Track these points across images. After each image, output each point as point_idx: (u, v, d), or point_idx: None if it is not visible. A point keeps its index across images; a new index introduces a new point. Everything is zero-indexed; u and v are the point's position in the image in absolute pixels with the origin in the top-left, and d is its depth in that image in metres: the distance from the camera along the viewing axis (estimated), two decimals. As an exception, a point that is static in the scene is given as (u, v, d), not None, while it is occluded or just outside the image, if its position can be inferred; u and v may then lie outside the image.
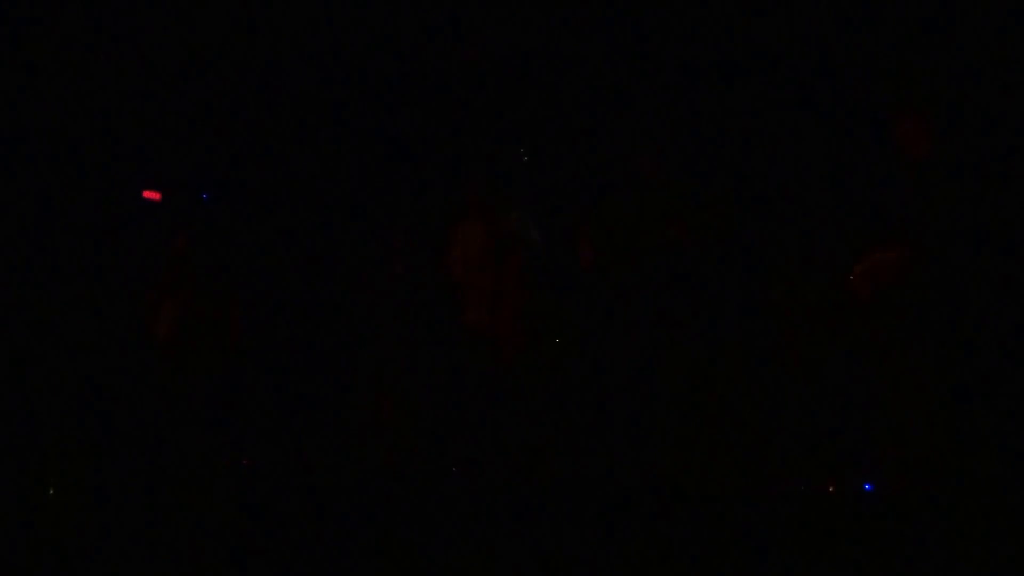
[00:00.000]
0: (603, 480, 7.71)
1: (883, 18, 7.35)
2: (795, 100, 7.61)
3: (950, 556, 6.29)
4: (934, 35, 7.23)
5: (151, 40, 8.16)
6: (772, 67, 7.63)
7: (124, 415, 8.10)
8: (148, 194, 8.46)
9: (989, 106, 7.02)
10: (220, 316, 8.21)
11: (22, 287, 8.04)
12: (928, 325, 7.05)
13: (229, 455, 8.13)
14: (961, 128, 6.95)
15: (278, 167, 8.52)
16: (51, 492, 7.59)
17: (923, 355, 7.03)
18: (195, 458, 8.03)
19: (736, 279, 7.68)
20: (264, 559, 7.24)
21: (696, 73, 7.82)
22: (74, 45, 8.09)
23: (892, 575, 6.41)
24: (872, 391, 7.24)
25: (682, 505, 7.15)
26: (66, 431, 7.91)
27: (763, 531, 6.78)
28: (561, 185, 8.20)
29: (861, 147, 7.39)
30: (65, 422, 7.93)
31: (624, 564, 6.85)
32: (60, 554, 7.17)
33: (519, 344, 7.93)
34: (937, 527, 6.50)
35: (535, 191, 8.21)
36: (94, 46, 8.12)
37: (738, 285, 7.67)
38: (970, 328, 6.97)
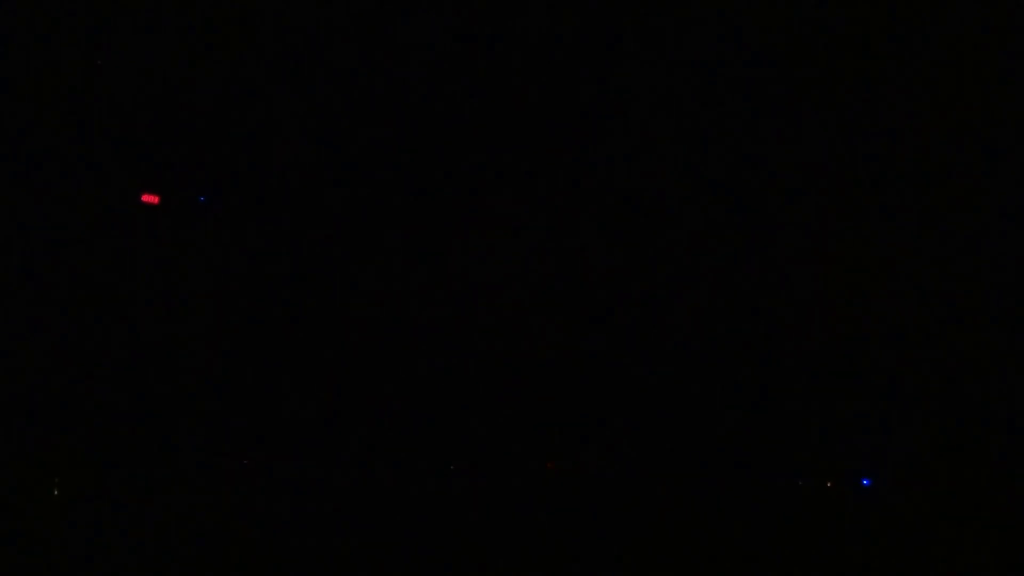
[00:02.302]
0: (602, 480, 7.73)
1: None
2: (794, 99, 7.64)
3: (950, 555, 6.32)
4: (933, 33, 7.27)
5: (151, 40, 8.17)
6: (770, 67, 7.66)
7: (124, 415, 8.10)
8: (146, 197, 8.45)
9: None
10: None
11: (21, 288, 8.04)
12: (927, 323, 7.09)
13: (229, 455, 8.13)
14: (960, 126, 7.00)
15: (276, 169, 8.52)
16: (54, 492, 7.60)
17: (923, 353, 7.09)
18: (195, 458, 8.05)
19: (735, 277, 7.71)
20: (263, 559, 7.26)
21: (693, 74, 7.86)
22: (72, 45, 8.09)
23: (891, 574, 6.45)
24: (872, 389, 7.28)
25: (680, 504, 7.18)
26: (66, 431, 7.90)
27: (762, 529, 6.82)
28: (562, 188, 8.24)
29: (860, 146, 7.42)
30: (65, 422, 7.93)
31: (623, 564, 6.88)
32: (60, 554, 7.18)
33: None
34: (937, 527, 6.55)
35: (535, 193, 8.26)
36: (93, 46, 8.12)
37: (737, 283, 7.70)
38: (970, 327, 7.02)
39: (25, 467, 7.65)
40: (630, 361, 7.74)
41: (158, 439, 8.09)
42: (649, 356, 7.66)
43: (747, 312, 7.62)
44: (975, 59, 7.20)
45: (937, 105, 7.27)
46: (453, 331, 8.24)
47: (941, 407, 7.01)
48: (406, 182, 8.42)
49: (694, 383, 7.60)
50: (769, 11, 7.57)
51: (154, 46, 8.19)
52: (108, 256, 8.31)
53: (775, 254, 7.67)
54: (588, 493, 7.56)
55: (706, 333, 7.62)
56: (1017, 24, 7.10)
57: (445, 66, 8.23)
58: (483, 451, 8.04)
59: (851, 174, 7.52)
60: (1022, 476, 6.83)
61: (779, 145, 7.70)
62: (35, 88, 8.01)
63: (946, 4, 7.22)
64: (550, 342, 8.16)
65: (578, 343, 8.10)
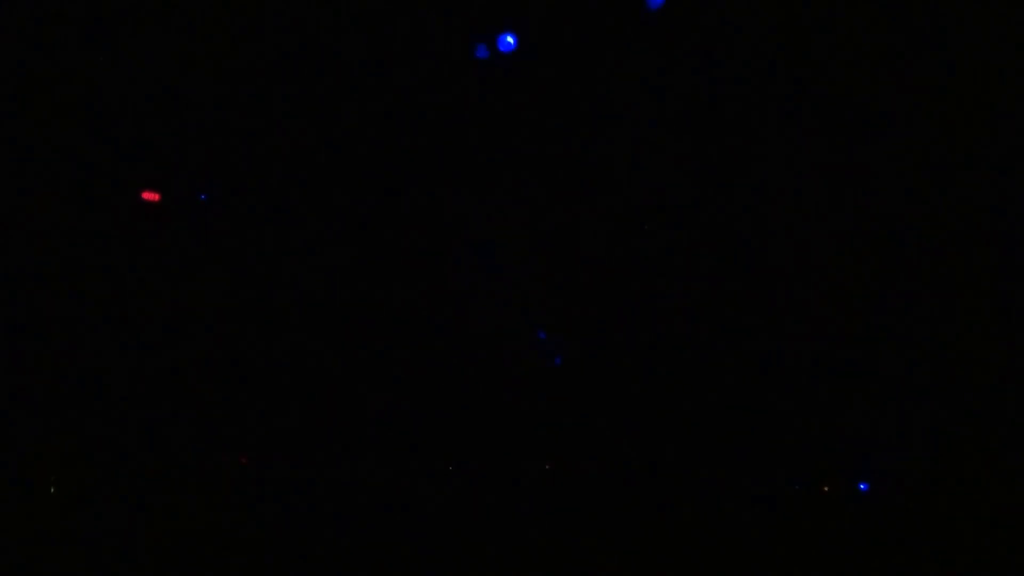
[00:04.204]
0: (600, 480, 7.73)
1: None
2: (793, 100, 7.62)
3: (949, 560, 6.32)
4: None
5: (151, 40, 8.17)
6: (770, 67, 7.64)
7: (123, 415, 8.13)
8: (147, 195, 8.47)
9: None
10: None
11: (22, 287, 8.06)
12: (926, 323, 7.08)
13: (227, 454, 8.16)
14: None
15: (277, 168, 8.53)
16: (52, 491, 7.63)
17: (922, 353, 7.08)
18: (193, 457, 8.07)
19: (733, 278, 7.70)
20: (263, 559, 7.28)
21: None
22: (73, 45, 8.10)
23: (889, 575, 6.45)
24: (871, 390, 7.27)
25: (678, 505, 7.19)
26: (66, 431, 7.93)
27: (759, 531, 6.82)
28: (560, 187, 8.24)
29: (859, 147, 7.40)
30: (65, 422, 7.95)
31: (621, 565, 6.89)
32: (60, 553, 7.21)
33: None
34: (935, 531, 6.54)
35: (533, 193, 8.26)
36: (93, 46, 8.13)
37: (735, 284, 7.70)
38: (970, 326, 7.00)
39: (24, 467, 7.67)
40: (628, 362, 7.74)
41: (158, 438, 8.11)
42: (647, 358, 7.67)
43: (744, 315, 7.62)
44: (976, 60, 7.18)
45: (936, 105, 7.25)
46: (453, 331, 8.25)
47: (939, 411, 7.00)
48: (406, 181, 8.43)
49: (691, 386, 7.60)
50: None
51: (155, 46, 8.19)
52: (108, 254, 8.33)
53: (773, 257, 7.66)
54: (586, 494, 7.57)
55: (703, 336, 7.62)
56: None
57: (445, 66, 8.23)
58: (483, 451, 8.05)
59: (850, 175, 7.50)
60: (1022, 479, 6.82)
61: (778, 146, 7.69)
62: (35, 88, 8.01)
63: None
64: (549, 342, 8.17)
65: (578, 344, 8.11)
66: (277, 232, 8.53)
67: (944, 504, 6.71)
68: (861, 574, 6.41)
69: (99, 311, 8.22)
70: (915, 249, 7.10)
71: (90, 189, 8.24)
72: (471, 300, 8.27)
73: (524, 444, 8.04)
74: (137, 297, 8.33)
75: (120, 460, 7.91)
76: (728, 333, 7.60)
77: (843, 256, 7.31)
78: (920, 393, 7.02)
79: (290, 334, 8.43)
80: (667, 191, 7.90)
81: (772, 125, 7.70)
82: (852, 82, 7.55)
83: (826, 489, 7.10)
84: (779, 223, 7.64)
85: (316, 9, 8.14)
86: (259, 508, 7.72)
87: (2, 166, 8.03)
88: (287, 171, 8.48)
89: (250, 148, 8.48)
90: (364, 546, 7.38)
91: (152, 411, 8.19)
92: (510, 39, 7.99)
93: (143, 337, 8.31)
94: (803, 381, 7.39)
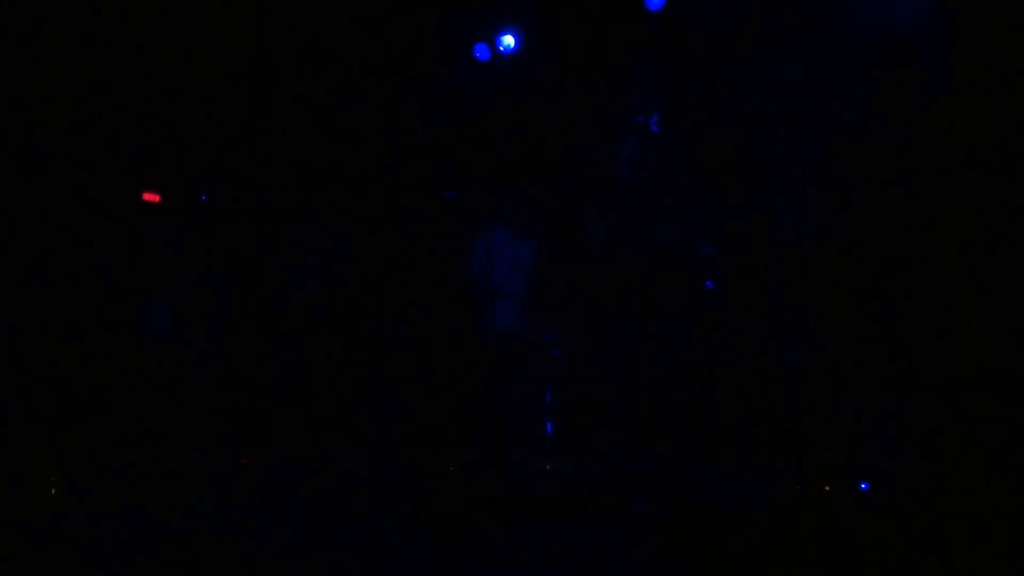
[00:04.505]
0: (600, 479, 7.74)
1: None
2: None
3: (950, 560, 6.31)
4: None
5: (151, 40, 8.18)
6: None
7: (123, 415, 8.13)
8: (147, 196, 8.49)
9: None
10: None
11: (22, 287, 8.05)
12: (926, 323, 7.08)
13: (228, 455, 8.16)
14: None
15: (277, 168, 8.54)
16: (52, 491, 7.63)
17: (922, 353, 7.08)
18: (194, 457, 8.07)
19: (734, 278, 7.71)
20: (262, 558, 7.27)
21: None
22: (73, 45, 8.10)
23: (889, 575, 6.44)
24: (871, 390, 7.27)
25: (679, 504, 7.19)
26: (66, 431, 7.93)
27: (759, 531, 6.82)
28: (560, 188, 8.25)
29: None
30: (65, 422, 7.95)
31: (621, 562, 6.88)
32: (59, 553, 7.20)
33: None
34: (936, 527, 6.53)
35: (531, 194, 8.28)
36: (93, 46, 8.13)
37: (736, 284, 7.71)
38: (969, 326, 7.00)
39: (24, 467, 7.67)
40: (629, 362, 7.74)
41: (158, 439, 8.12)
42: (648, 358, 7.67)
43: (745, 316, 7.63)
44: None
45: (936, 105, 7.25)
46: (452, 331, 8.26)
47: (939, 411, 6.99)
48: (406, 181, 8.44)
49: (691, 386, 7.61)
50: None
51: (155, 46, 8.20)
52: (109, 254, 8.34)
53: (773, 258, 7.67)
54: (586, 494, 7.57)
55: (704, 336, 7.63)
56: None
57: (445, 66, 8.24)
58: (483, 451, 8.06)
59: (850, 175, 7.50)
60: (1022, 479, 6.81)
61: (778, 146, 7.69)
62: (35, 88, 8.02)
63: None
64: (548, 343, 8.17)
65: (577, 344, 8.12)
66: (277, 232, 8.54)
67: (944, 504, 6.70)
68: (861, 574, 6.39)
69: (99, 311, 8.22)
70: (915, 249, 7.10)
71: (90, 189, 8.24)
72: (470, 299, 8.28)
73: (524, 444, 8.05)
74: (137, 297, 8.34)
75: (120, 460, 7.91)
76: (728, 334, 7.60)
77: (843, 257, 7.31)
78: (920, 393, 7.01)
79: (290, 334, 8.44)
80: (668, 191, 7.92)
81: (772, 125, 7.71)
82: (851, 82, 7.55)
83: (826, 489, 7.10)
84: (780, 223, 7.65)
85: (316, 9, 8.15)
86: (259, 508, 7.72)
87: (2, 166, 8.03)
88: (287, 171, 8.49)
89: (250, 148, 8.49)
90: (364, 546, 7.37)
91: (152, 411, 8.19)
92: (510, 40, 7.99)
93: (143, 337, 8.32)
94: (803, 381, 7.39)
